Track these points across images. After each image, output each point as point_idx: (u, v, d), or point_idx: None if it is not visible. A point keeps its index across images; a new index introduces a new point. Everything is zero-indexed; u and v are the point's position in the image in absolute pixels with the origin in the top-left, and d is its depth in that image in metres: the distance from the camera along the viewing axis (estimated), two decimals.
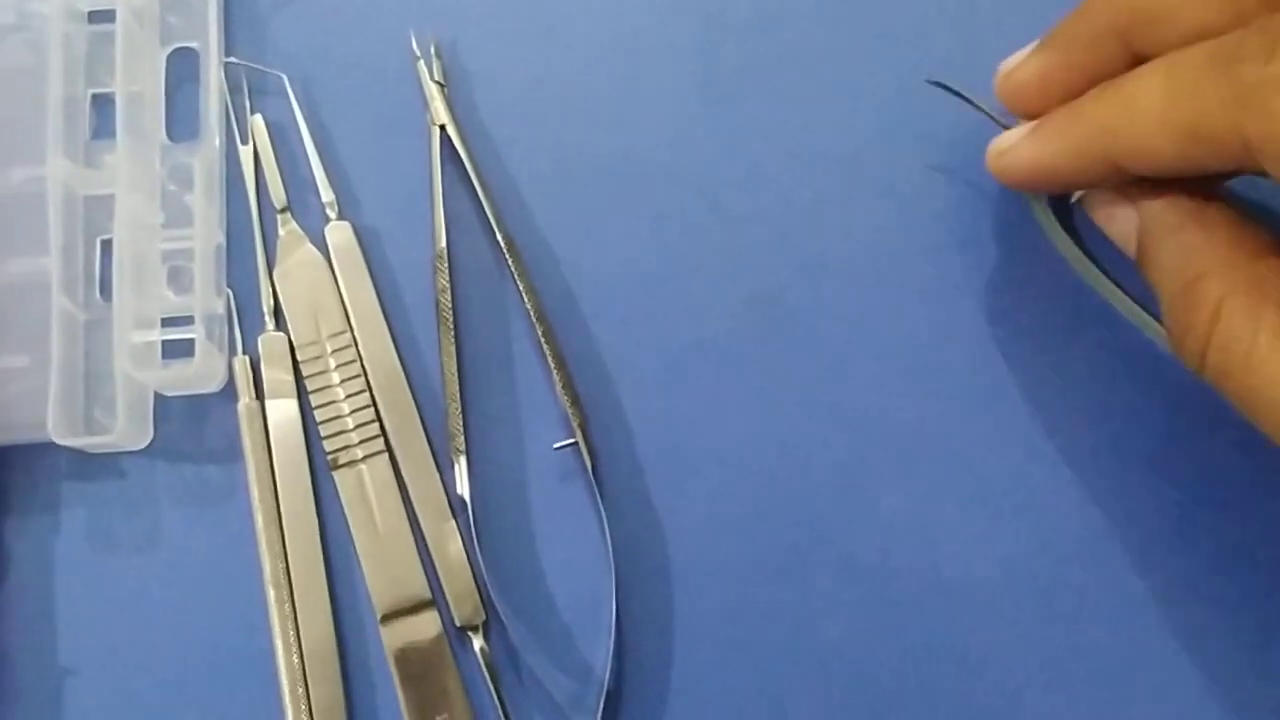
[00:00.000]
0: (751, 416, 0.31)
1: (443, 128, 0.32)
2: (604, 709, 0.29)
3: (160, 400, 0.31)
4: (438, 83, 0.32)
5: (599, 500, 0.30)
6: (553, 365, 0.30)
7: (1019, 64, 0.28)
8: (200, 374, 0.30)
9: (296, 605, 0.30)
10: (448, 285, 0.31)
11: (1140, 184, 0.27)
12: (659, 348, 0.31)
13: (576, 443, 0.30)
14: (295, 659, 0.30)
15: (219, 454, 0.31)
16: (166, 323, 0.31)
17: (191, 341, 0.30)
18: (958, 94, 0.31)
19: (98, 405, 0.31)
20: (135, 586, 0.30)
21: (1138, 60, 0.26)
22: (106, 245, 0.31)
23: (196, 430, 0.31)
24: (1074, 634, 0.30)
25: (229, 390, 0.31)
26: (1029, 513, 0.30)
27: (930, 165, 0.32)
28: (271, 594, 0.30)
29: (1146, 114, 0.25)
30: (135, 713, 0.30)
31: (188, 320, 0.30)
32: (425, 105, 0.32)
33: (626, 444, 0.31)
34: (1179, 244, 0.26)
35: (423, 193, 0.32)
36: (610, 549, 0.30)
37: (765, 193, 0.32)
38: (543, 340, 0.30)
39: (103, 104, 0.32)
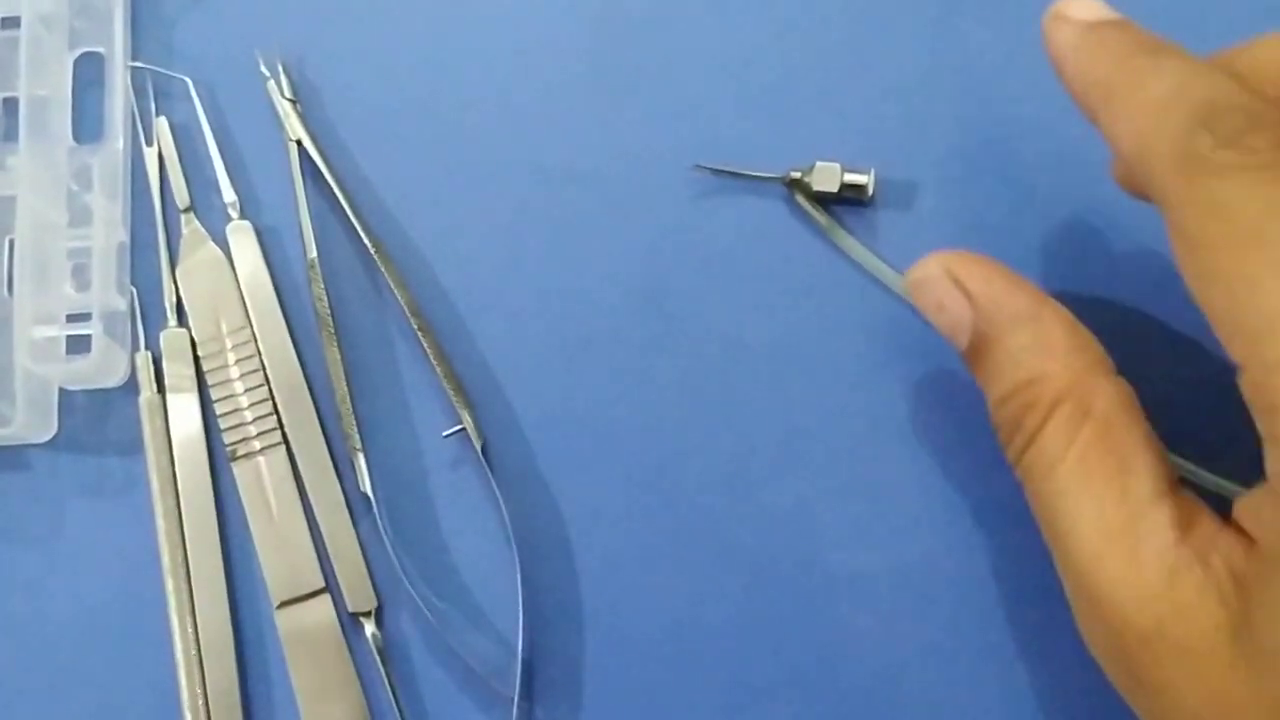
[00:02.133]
0: (636, 407, 0.32)
1: (299, 142, 0.33)
2: (521, 676, 0.30)
3: (65, 394, 0.32)
4: (289, 99, 0.33)
5: (492, 479, 0.31)
6: (433, 358, 0.31)
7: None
8: (100, 369, 0.31)
9: (194, 593, 0.31)
10: (324, 293, 0.32)
11: (976, 273, 0.27)
12: (547, 341, 0.32)
13: (464, 428, 0.31)
14: (191, 645, 0.30)
15: (121, 446, 0.32)
16: (71, 319, 0.32)
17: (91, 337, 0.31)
18: (726, 172, 0.33)
19: (2, 399, 0.31)
20: (38, 574, 0.31)
21: None
22: (14, 244, 0.32)
23: (100, 424, 0.32)
24: (952, 625, 0.30)
25: (132, 384, 0.32)
26: (910, 506, 0.31)
27: (819, 158, 0.33)
28: (169, 582, 0.31)
29: (1139, 109, 0.24)
30: (36, 696, 0.31)
31: (90, 316, 0.31)
32: (279, 123, 0.33)
33: (516, 431, 0.32)
34: (1019, 340, 0.25)
35: (323, 194, 0.33)
36: (509, 526, 0.31)
37: (654, 189, 0.33)
38: (420, 335, 0.31)
39: (12, 107, 0.33)
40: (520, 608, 0.30)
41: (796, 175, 0.32)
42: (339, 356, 0.32)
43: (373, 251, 0.32)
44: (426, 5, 0.35)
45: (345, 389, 0.31)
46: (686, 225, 0.33)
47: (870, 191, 0.32)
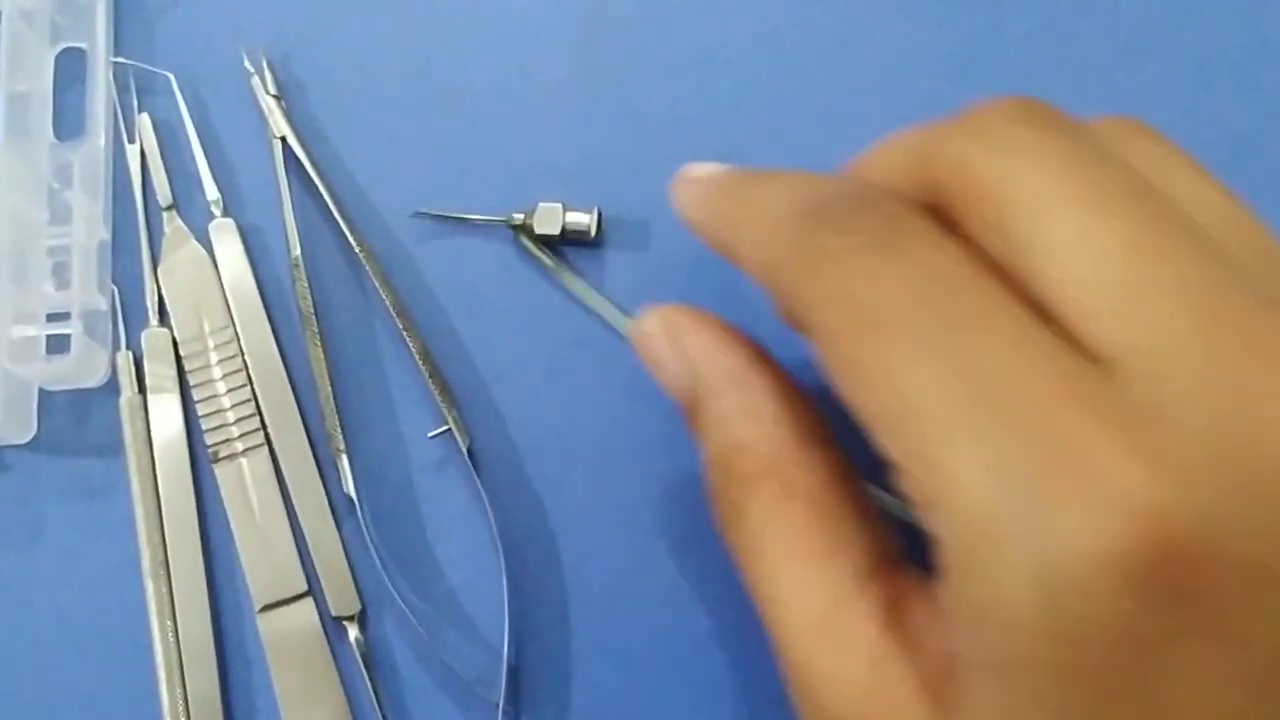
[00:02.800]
0: (624, 407, 0.32)
1: (283, 139, 0.32)
2: (506, 682, 0.29)
3: (45, 395, 0.32)
4: (273, 95, 0.33)
5: (478, 481, 0.30)
6: (417, 358, 0.31)
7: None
8: (79, 369, 0.31)
9: (175, 596, 0.30)
10: (308, 292, 0.31)
11: (693, 333, 0.25)
12: (533, 341, 0.32)
13: (449, 429, 0.31)
14: (173, 649, 0.30)
15: (102, 448, 0.32)
16: (51, 318, 0.31)
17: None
18: (447, 217, 0.32)
19: None
20: (17, 578, 0.31)
21: None
22: None
23: (80, 424, 0.32)
24: None
25: (112, 385, 0.32)
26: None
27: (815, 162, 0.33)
28: (150, 585, 0.30)
29: (755, 227, 0.23)
30: (16, 700, 0.30)
31: (70, 316, 0.31)
32: (264, 120, 0.33)
33: (502, 432, 0.32)
34: (726, 405, 0.24)
35: (307, 192, 0.33)
36: (495, 529, 0.30)
37: (646, 188, 0.33)
38: (405, 334, 0.31)
39: None
40: (506, 612, 0.30)
41: (519, 218, 0.32)
42: (323, 356, 0.31)
43: (357, 250, 0.32)
44: (411, 2, 0.34)
45: (329, 389, 0.31)
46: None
47: (593, 232, 0.32)
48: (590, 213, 0.32)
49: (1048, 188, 0.19)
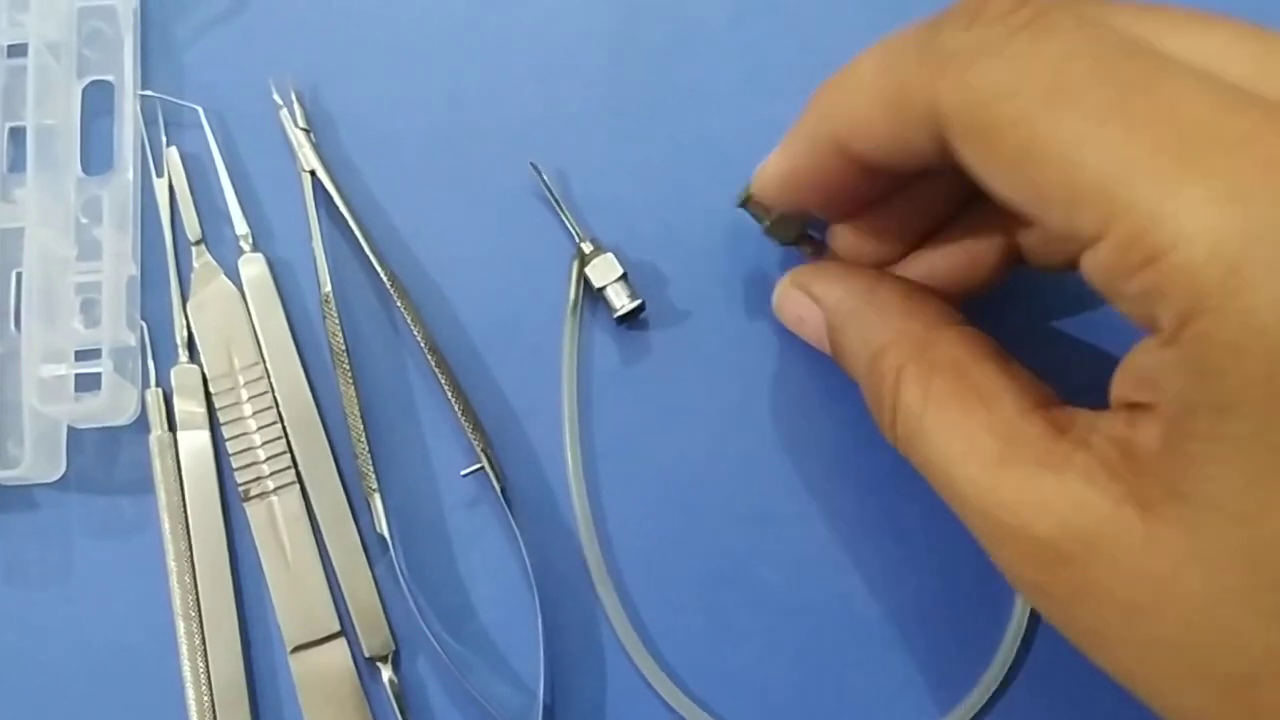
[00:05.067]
0: (659, 444, 0.31)
1: (313, 173, 0.32)
2: None
3: (74, 432, 0.31)
4: (302, 129, 0.32)
5: (512, 520, 0.30)
6: (450, 394, 0.30)
7: (768, 162, 0.27)
8: (109, 407, 0.30)
9: (206, 636, 0.30)
10: (338, 328, 0.31)
11: (818, 280, 0.28)
12: (559, 376, 0.32)
13: (483, 467, 0.30)
14: (204, 689, 0.30)
15: (132, 486, 0.31)
16: (80, 356, 0.31)
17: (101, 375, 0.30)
18: (552, 192, 0.32)
19: (10, 438, 0.31)
20: (47, 617, 0.31)
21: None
22: (22, 279, 0.32)
23: (109, 462, 0.32)
24: (982, 663, 0.30)
25: (142, 422, 0.31)
26: (939, 549, 0.31)
27: None
28: (181, 625, 0.30)
29: (859, 88, 0.23)
30: None
31: (99, 353, 0.31)
32: (292, 153, 0.33)
33: (535, 469, 0.31)
34: (859, 324, 0.26)
35: (337, 226, 0.32)
36: (529, 567, 0.30)
37: (675, 218, 0.33)
38: (437, 371, 0.31)
39: (20, 137, 0.33)
40: (541, 651, 0.29)
41: (588, 248, 0.31)
42: (354, 393, 0.31)
43: (388, 285, 0.31)
44: (441, 34, 0.34)
45: (361, 427, 0.31)
46: (713, 255, 0.32)
47: (619, 314, 0.31)
48: (634, 300, 0.31)
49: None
